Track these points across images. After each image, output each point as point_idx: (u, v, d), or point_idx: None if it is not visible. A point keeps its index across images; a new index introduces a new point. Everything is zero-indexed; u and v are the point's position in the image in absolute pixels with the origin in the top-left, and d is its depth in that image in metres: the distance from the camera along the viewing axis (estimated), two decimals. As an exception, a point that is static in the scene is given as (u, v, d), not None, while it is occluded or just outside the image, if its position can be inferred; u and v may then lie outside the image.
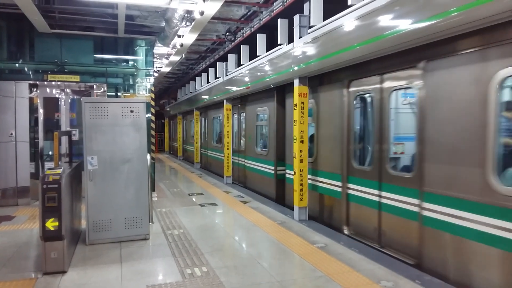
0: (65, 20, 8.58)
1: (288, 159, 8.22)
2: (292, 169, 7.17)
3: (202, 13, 6.89)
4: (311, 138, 7.25)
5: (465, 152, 4.02)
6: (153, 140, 9.40)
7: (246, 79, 9.85)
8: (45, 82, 8.80)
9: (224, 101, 11.82)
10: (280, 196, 8.82)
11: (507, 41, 3.55)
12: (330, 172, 6.63)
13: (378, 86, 5.47)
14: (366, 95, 5.91)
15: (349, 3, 5.40)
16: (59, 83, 8.92)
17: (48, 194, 4.30)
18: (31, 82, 8.63)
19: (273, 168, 9.01)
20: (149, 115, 9.11)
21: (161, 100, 29.56)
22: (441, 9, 3.83)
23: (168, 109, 26.09)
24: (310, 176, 7.18)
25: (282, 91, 8.61)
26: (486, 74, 3.76)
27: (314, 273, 4.43)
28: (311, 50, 6.48)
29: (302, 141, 6.87)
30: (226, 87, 11.71)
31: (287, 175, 8.33)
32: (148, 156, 5.96)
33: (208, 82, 15.05)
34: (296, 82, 6.91)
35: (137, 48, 9.57)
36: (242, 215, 7.27)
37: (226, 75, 12.13)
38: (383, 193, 5.38)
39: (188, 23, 8.33)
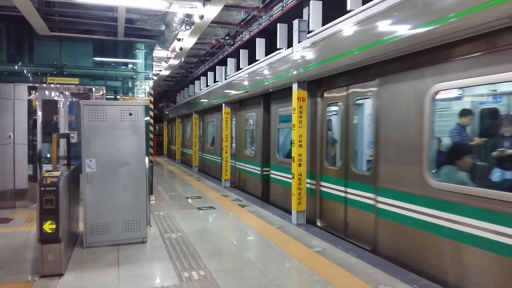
0: (65, 23, 8.61)
1: (273, 161, 9.09)
2: (276, 169, 8.36)
3: (201, 17, 6.92)
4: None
5: (407, 153, 4.75)
6: (151, 143, 9.41)
7: (245, 83, 9.88)
8: (44, 85, 8.80)
9: (223, 104, 11.84)
10: (265, 194, 9.56)
11: (438, 62, 4.29)
12: (307, 171, 7.23)
13: (344, 95, 6.22)
14: (337, 104, 6.64)
15: (348, 8, 5.43)
16: (58, 85, 8.92)
17: (45, 197, 4.29)
18: (30, 85, 8.64)
19: (259, 168, 9.74)
20: (148, 118, 9.12)
21: (160, 103, 29.59)
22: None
23: (167, 113, 26.11)
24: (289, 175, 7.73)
25: (268, 98, 9.29)
26: (423, 89, 4.48)
27: (312, 277, 4.42)
28: (309, 55, 6.50)
29: (300, 145, 6.88)
30: (225, 91, 11.74)
31: (271, 175, 9.12)
32: (147, 159, 5.97)
33: (207, 86, 15.09)
34: (295, 87, 6.94)
35: (136, 51, 9.60)
36: (240, 219, 7.27)
37: (225, 79, 12.16)
38: (348, 189, 6.08)
39: (187, 27, 8.36)
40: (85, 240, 5.48)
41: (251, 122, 10.47)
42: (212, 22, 8.31)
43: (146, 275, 4.48)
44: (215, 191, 10.64)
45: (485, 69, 3.75)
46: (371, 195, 5.45)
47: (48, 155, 9.12)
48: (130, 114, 5.64)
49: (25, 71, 8.65)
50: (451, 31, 3.82)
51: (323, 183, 6.87)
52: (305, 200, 6.98)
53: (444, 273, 4.26)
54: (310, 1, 6.46)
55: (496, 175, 4.66)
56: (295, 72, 6.95)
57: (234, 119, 11.96)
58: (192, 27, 8.27)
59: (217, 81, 13.17)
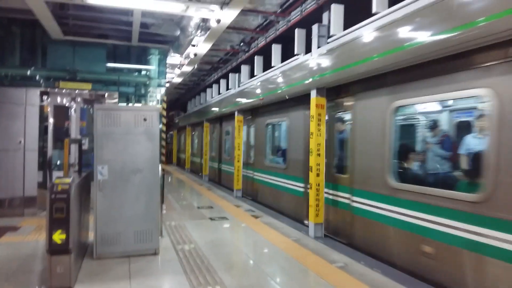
0: (79, 27, 8.50)
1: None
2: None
3: (218, 21, 6.74)
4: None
5: (374, 159, 5.63)
6: (163, 151, 9.20)
7: (260, 90, 9.66)
8: (56, 90, 8.67)
9: (236, 112, 11.62)
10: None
11: (397, 84, 5.18)
12: (297, 176, 8.13)
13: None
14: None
15: (374, 11, 5.19)
16: (70, 91, 8.79)
17: (56, 205, 4.07)
18: (42, 90, 8.51)
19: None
20: (161, 125, 8.93)
21: (170, 111, 29.52)
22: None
23: (177, 121, 26.00)
24: (284, 180, 8.87)
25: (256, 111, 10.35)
26: (386, 105, 5.36)
27: (337, 296, 4.11)
28: (329, 61, 6.26)
29: (318, 154, 6.61)
30: (238, 99, 11.54)
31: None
32: (160, 166, 5.74)
33: (219, 94, 14.92)
34: (313, 93, 6.69)
35: (150, 57, 9.45)
36: (254, 230, 6.98)
37: (239, 86, 11.98)
38: (331, 191, 6.85)
39: (203, 32, 8.19)
40: (95, 251, 5.23)
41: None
42: (228, 27, 8.13)
43: (159, 290, 4.21)
44: (226, 201, 10.37)
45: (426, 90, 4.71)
46: (348, 195, 6.35)
47: (58, 162, 8.96)
48: (145, 120, 5.43)
49: (37, 76, 8.53)
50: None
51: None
52: (323, 211, 6.68)
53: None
54: (332, 5, 6.24)
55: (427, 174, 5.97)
56: (313, 79, 6.71)
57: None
58: (208, 32, 8.10)
59: (230, 89, 12.98)
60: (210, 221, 7.84)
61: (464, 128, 7.03)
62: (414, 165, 5.95)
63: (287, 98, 8.22)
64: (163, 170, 8.92)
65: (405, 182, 5.16)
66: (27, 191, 8.20)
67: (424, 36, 4.30)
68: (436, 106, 7.35)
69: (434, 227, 4.55)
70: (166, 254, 5.51)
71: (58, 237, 4.07)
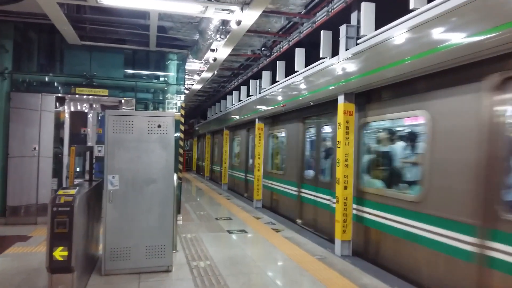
0: (96, 32, 8.27)
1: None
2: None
3: (239, 23, 6.33)
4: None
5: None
6: (181, 159, 8.83)
7: (282, 96, 9.21)
8: (75, 96, 8.45)
9: (256, 119, 11.19)
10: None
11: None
12: (290, 180, 9.09)
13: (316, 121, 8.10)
14: (312, 127, 8.43)
15: (411, 7, 4.68)
16: (86, 97, 8.55)
17: (58, 219, 3.70)
18: (59, 95, 8.29)
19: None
20: (178, 134, 8.56)
21: (191, 119, 29.38)
22: None
23: (197, 128, 25.80)
24: (277, 183, 9.99)
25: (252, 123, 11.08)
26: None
27: (371, 330, 3.57)
28: (360, 63, 5.76)
29: (346, 165, 6.08)
30: (258, 106, 11.11)
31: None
32: (175, 176, 5.34)
33: (239, 101, 14.53)
34: (341, 99, 6.19)
35: (168, 62, 9.14)
36: (276, 247, 6.48)
37: (259, 93, 11.56)
38: (317, 194, 7.78)
39: (222, 36, 7.82)
40: (104, 267, 4.85)
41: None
42: (249, 30, 7.73)
43: (169, 316, 3.77)
44: (246, 212, 9.90)
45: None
46: (329, 197, 7.15)
47: (78, 169, 8.70)
48: (159, 126, 5.05)
49: (54, 82, 8.32)
50: None
51: (302, 190, 8.65)
52: (351, 228, 6.13)
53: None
54: (362, 3, 5.75)
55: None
56: (341, 83, 6.22)
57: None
58: (228, 36, 7.72)
59: (251, 95, 12.58)
60: (228, 234, 7.38)
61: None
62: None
63: (312, 104, 7.74)
64: (180, 178, 8.56)
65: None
66: (41, 199, 7.96)
67: None
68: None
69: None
70: (179, 272, 5.08)
71: (59, 253, 3.70)
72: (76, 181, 7.85)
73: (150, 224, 5.00)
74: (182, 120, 8.90)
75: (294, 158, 9.12)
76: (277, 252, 6.18)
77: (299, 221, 8.76)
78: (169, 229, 5.10)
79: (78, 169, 8.75)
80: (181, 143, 8.85)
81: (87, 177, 7.54)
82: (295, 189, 9.01)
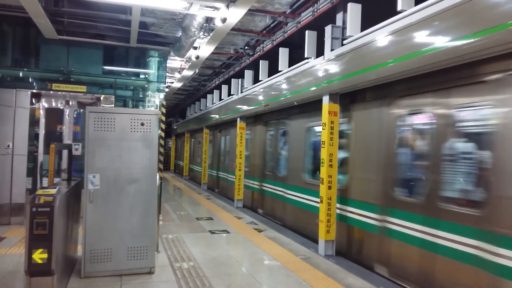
0: (74, 26, 8.01)
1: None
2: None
3: (224, 20, 6.24)
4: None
5: (298, 164, 7.88)
6: (161, 158, 8.67)
7: (265, 96, 9.18)
8: (50, 92, 8.15)
9: (238, 119, 11.11)
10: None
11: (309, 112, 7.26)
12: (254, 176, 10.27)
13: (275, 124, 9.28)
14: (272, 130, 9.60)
15: (399, 8, 4.72)
16: (63, 93, 8.27)
17: (37, 219, 3.54)
18: (34, 91, 7.98)
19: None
20: (160, 131, 8.40)
21: (169, 118, 28.98)
22: None
23: (175, 127, 25.47)
24: (254, 182, 10.60)
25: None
26: (304, 125, 7.68)
27: (359, 330, 3.57)
28: (345, 64, 5.79)
29: (331, 165, 6.09)
30: (240, 105, 11.04)
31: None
32: (157, 175, 5.22)
33: (220, 100, 14.42)
34: (325, 99, 6.20)
35: (149, 59, 8.96)
36: (259, 247, 6.43)
37: (241, 92, 11.49)
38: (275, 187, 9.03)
39: (206, 34, 7.71)
40: (83, 269, 4.68)
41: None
42: (233, 29, 7.65)
43: (154, 320, 3.67)
44: (227, 212, 9.82)
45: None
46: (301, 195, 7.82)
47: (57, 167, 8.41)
48: (142, 124, 4.92)
49: (29, 77, 8.01)
50: None
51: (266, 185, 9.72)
52: (334, 228, 6.15)
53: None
54: (348, 3, 5.77)
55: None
56: (325, 83, 6.23)
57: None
58: (211, 33, 7.61)
59: (232, 95, 12.49)
60: (210, 234, 7.29)
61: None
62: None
63: (295, 104, 7.74)
64: (160, 178, 8.41)
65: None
66: (15, 198, 7.66)
67: None
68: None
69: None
70: (162, 274, 4.97)
71: (39, 256, 3.54)
72: (54, 180, 7.62)
73: (132, 225, 4.87)
74: (163, 118, 8.74)
75: (258, 156, 10.45)
76: (261, 252, 6.14)
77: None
78: (151, 230, 4.98)
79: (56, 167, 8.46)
80: (162, 142, 8.69)
81: (63, 176, 7.36)
82: (257, 183, 10.37)
